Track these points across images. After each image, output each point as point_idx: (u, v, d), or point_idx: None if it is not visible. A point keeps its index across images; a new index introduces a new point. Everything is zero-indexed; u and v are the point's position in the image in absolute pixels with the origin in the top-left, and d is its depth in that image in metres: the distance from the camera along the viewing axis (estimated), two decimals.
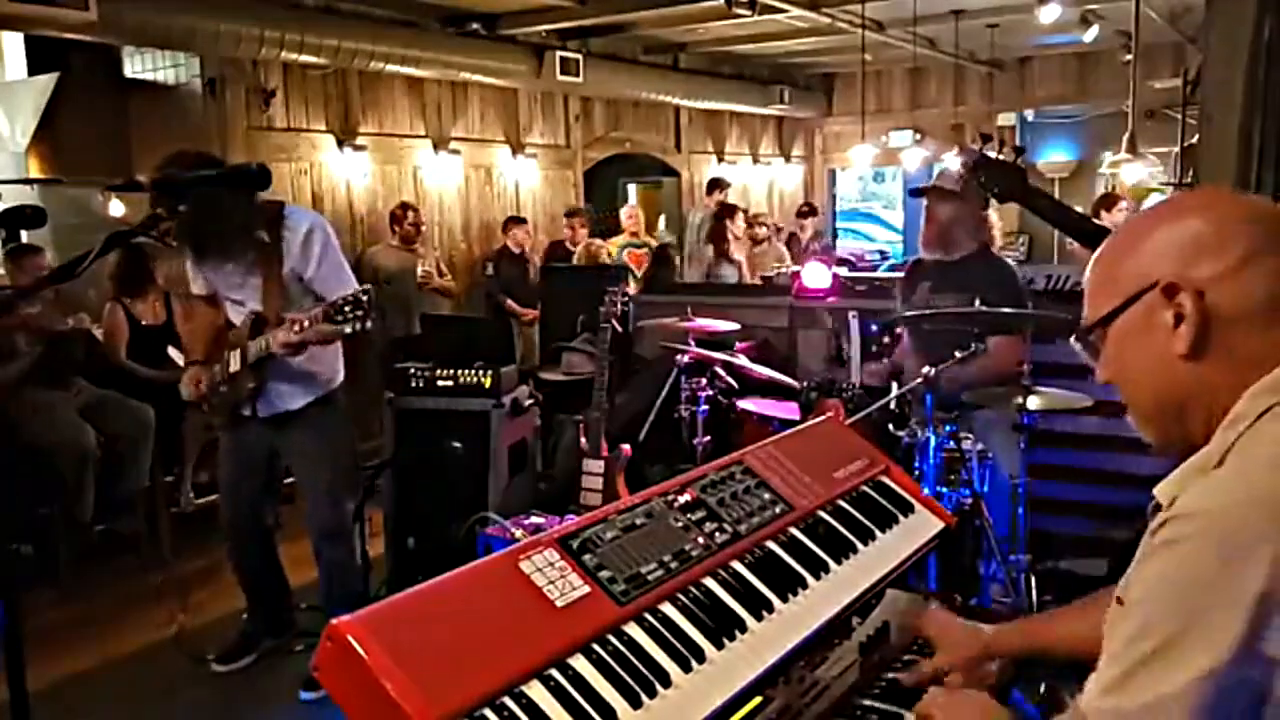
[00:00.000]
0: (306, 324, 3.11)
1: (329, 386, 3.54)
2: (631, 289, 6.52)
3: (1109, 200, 8.03)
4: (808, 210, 9.84)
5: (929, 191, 3.81)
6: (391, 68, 6.91)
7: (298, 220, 3.35)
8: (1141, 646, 0.96)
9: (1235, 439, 1.02)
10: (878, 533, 1.82)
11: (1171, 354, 1.08)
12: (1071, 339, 1.20)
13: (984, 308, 3.33)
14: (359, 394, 5.58)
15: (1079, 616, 1.44)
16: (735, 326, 4.82)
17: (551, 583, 1.34)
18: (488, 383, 4.25)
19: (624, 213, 8.50)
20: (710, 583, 1.51)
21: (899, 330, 4.01)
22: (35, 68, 6.60)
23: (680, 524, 1.58)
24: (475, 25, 7.45)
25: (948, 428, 3.33)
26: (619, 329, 4.44)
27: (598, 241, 7.81)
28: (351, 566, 3.70)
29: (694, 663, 1.35)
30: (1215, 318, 1.06)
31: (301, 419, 3.48)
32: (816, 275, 5.33)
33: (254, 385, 3.40)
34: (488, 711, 1.15)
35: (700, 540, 1.56)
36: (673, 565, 1.48)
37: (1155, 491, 1.07)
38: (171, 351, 5.29)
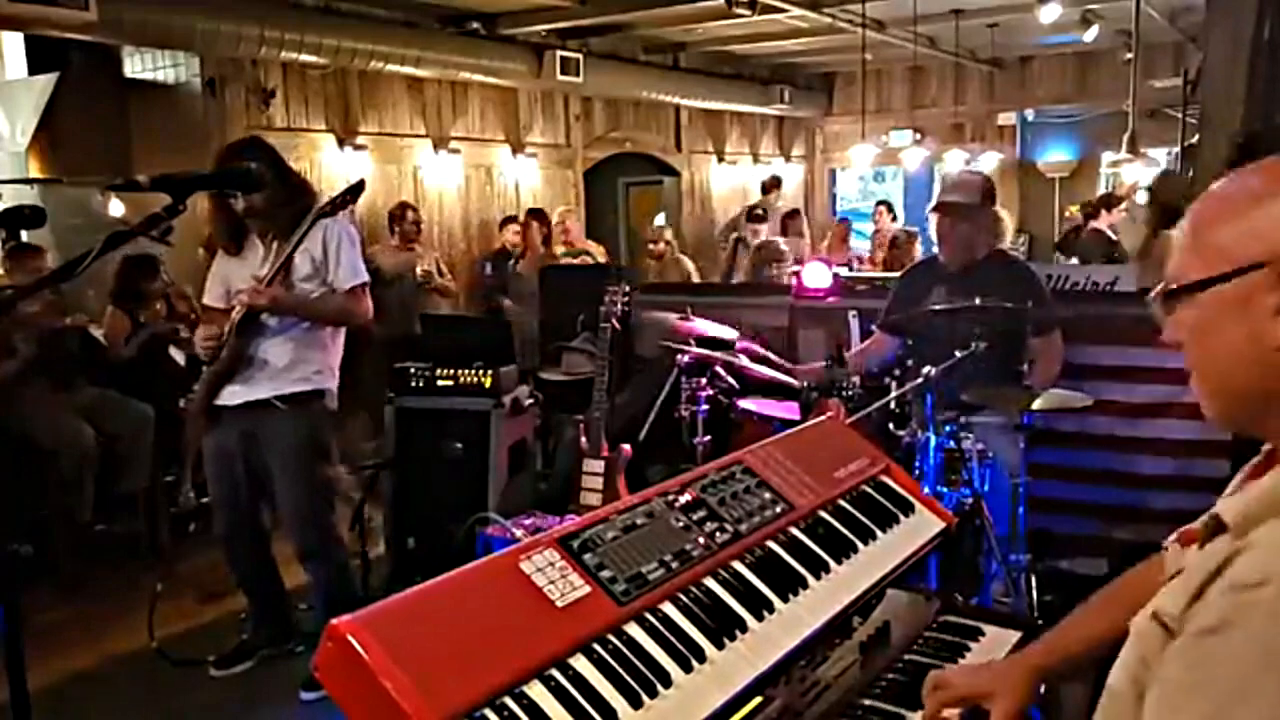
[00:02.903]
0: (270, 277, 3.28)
1: (314, 383, 3.49)
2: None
3: (1109, 201, 8.04)
4: (761, 215, 8.70)
5: (946, 208, 3.73)
6: (391, 68, 6.92)
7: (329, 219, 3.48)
8: None
9: None
10: (878, 532, 1.82)
11: (1266, 343, 0.95)
12: (1149, 295, 1.06)
13: (1032, 306, 3.38)
14: (359, 394, 5.60)
15: (1099, 618, 1.33)
16: (734, 334, 4.82)
17: (552, 583, 1.34)
18: (488, 383, 4.25)
19: (554, 218, 7.87)
20: (711, 583, 1.50)
21: (879, 329, 4.01)
22: (35, 68, 6.60)
23: (680, 524, 1.57)
24: (475, 25, 7.46)
25: (948, 427, 3.33)
26: (619, 329, 4.43)
27: (558, 248, 7.60)
28: (342, 576, 3.66)
29: (694, 663, 1.35)
30: None
31: (279, 413, 3.43)
32: (816, 275, 5.33)
33: (236, 352, 3.39)
34: (488, 711, 1.15)
35: (700, 540, 1.56)
36: (673, 565, 1.48)
37: (1222, 512, 0.97)
38: (172, 351, 5.30)
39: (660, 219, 10.77)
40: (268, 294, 3.31)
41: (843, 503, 1.84)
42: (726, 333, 4.68)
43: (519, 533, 3.20)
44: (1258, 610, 0.85)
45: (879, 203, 10.71)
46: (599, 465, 4.04)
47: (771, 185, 10.21)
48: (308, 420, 3.49)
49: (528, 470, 4.46)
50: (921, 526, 1.92)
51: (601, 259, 7.55)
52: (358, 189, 3.42)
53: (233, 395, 3.45)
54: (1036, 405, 3.29)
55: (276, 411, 3.43)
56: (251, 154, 3.36)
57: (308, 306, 3.45)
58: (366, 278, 3.55)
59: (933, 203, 3.87)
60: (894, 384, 3.74)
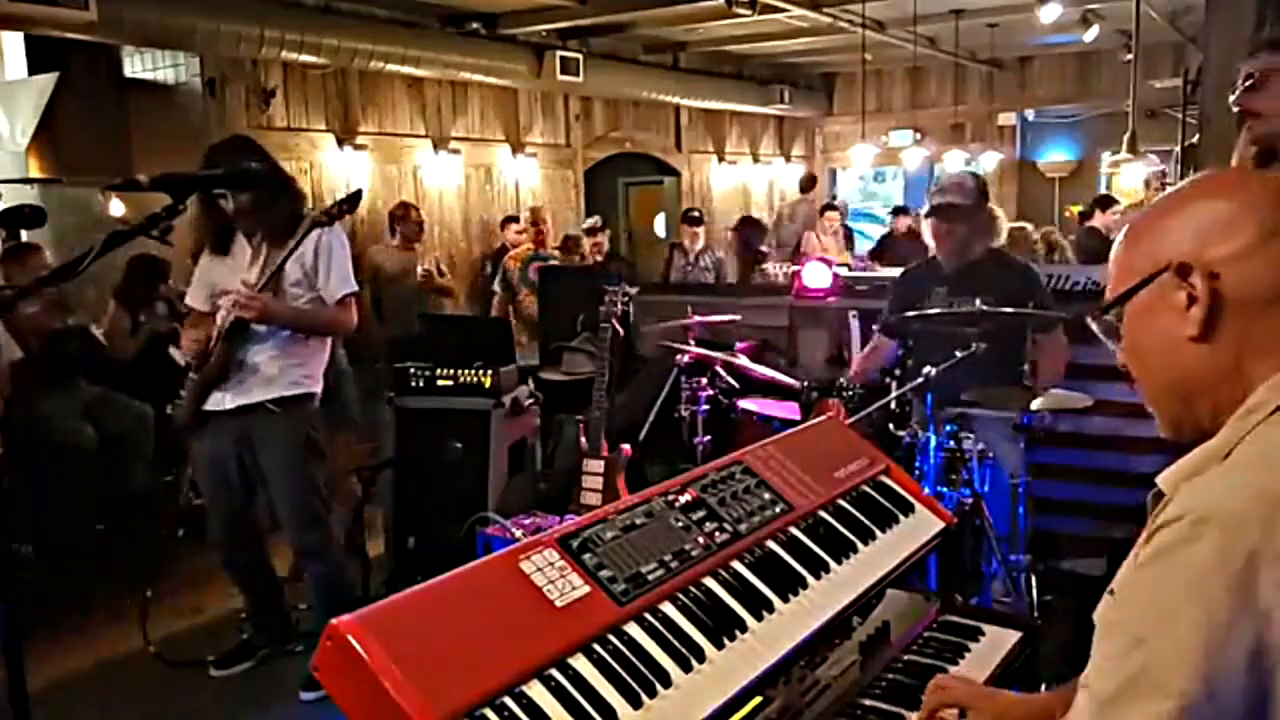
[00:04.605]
0: (257, 285, 3.26)
1: (304, 387, 3.48)
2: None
3: (1105, 201, 8.04)
4: (697, 217, 8.00)
5: (941, 211, 3.72)
6: (391, 68, 6.92)
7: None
8: (1134, 661, 0.91)
9: (1246, 432, 0.99)
10: (878, 532, 1.82)
11: (1181, 336, 1.05)
12: (1088, 319, 1.18)
13: (1035, 308, 3.37)
14: (359, 394, 5.60)
15: None
16: (736, 316, 4.83)
17: (551, 582, 1.34)
18: (488, 383, 4.25)
19: (524, 217, 7.48)
20: (710, 582, 1.50)
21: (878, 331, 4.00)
22: (35, 68, 6.60)
23: (680, 524, 1.57)
24: (475, 25, 7.47)
25: (948, 427, 3.33)
26: (619, 329, 4.44)
27: (516, 251, 7.28)
28: (340, 576, 3.66)
29: (694, 663, 1.35)
30: (1228, 300, 1.02)
31: (271, 416, 3.42)
32: (816, 275, 5.33)
33: (225, 358, 3.37)
34: (488, 711, 1.15)
35: (700, 540, 1.56)
36: (673, 565, 1.48)
37: (1159, 480, 1.05)
38: (173, 352, 5.31)
39: (661, 221, 10.79)
40: (258, 302, 3.28)
41: (843, 503, 1.84)
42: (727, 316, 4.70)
43: (519, 533, 3.20)
44: (1176, 541, 0.92)
45: (827, 206, 10.41)
46: (599, 465, 4.04)
47: (809, 184, 10.19)
48: (300, 422, 3.48)
49: (528, 470, 4.46)
50: (921, 526, 1.92)
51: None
52: (355, 198, 3.37)
53: (224, 400, 3.44)
54: (1036, 405, 3.29)
55: (269, 415, 3.42)
56: (241, 154, 3.33)
57: (297, 318, 3.42)
58: (356, 287, 3.53)
59: (926, 207, 3.86)
60: (894, 384, 3.74)
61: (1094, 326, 1.18)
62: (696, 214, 8.20)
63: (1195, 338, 1.04)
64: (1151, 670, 0.89)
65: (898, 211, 9.94)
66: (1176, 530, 0.93)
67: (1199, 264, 1.03)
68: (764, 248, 7.53)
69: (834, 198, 12.49)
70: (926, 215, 3.80)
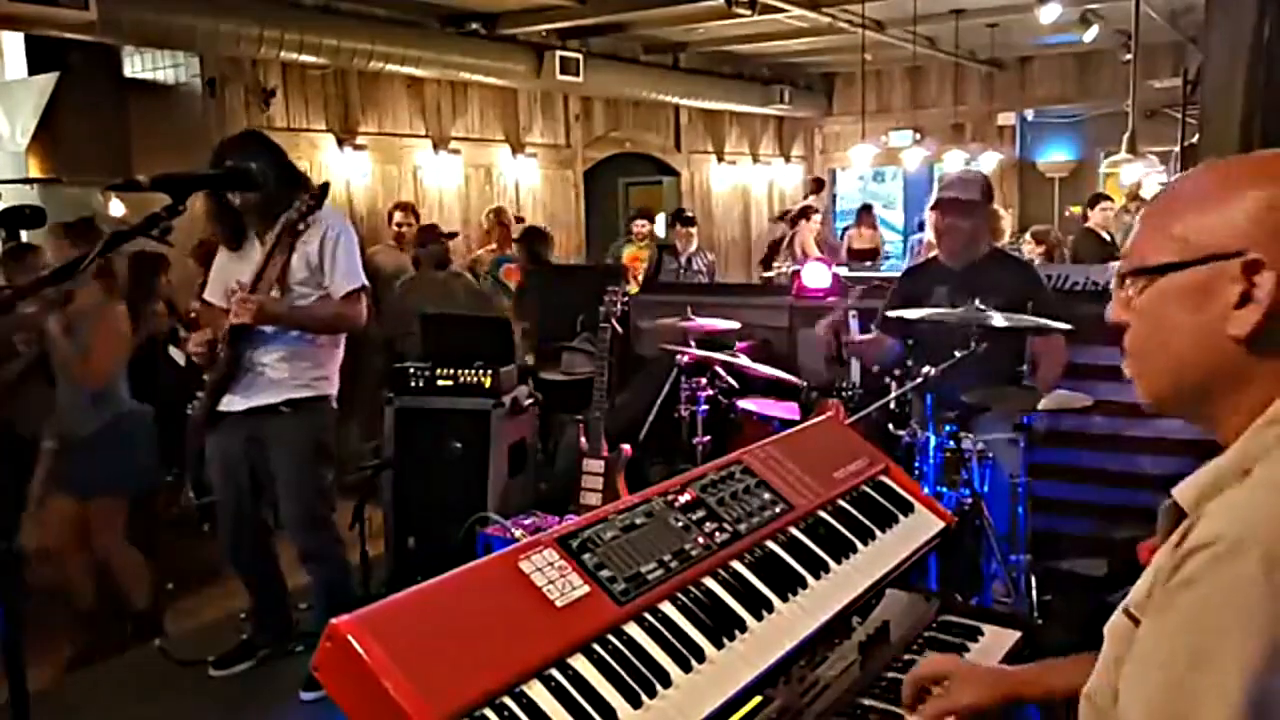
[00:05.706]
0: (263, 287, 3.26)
1: (315, 389, 3.48)
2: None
3: (1097, 199, 8.05)
4: (690, 217, 7.97)
5: (946, 205, 3.72)
6: (391, 68, 6.92)
7: (327, 213, 3.45)
8: (1178, 694, 0.87)
9: (1270, 446, 0.95)
10: (878, 532, 1.82)
11: (1220, 330, 0.98)
12: (1111, 268, 1.14)
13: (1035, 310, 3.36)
14: (359, 394, 5.60)
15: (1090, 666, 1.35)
16: (735, 326, 4.82)
17: (551, 583, 1.34)
18: (488, 382, 4.25)
19: (484, 219, 7.53)
20: (710, 582, 1.50)
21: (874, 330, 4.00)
22: (35, 68, 6.61)
23: (680, 524, 1.57)
24: (475, 25, 7.47)
25: (948, 427, 3.33)
26: (619, 329, 4.44)
27: (480, 253, 7.27)
28: (342, 577, 3.67)
29: (694, 662, 1.35)
30: None
31: (284, 417, 3.43)
32: (816, 275, 5.33)
33: (230, 361, 3.37)
34: (488, 711, 1.15)
35: (700, 540, 1.56)
36: (673, 565, 1.48)
37: (1175, 494, 1.00)
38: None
39: (660, 221, 10.76)
40: (251, 304, 3.27)
41: (842, 503, 1.84)
42: (728, 325, 4.69)
43: (519, 533, 3.20)
44: (1214, 567, 0.88)
45: (805, 208, 10.21)
46: (599, 465, 4.05)
47: (815, 188, 10.29)
48: (312, 424, 3.49)
49: (528, 470, 4.46)
50: (921, 526, 1.92)
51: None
52: (322, 192, 3.36)
53: (235, 402, 3.44)
54: (1037, 405, 3.29)
55: (281, 415, 3.43)
56: (251, 150, 3.34)
57: (296, 316, 3.40)
58: (363, 281, 3.50)
59: (932, 200, 3.86)
60: (894, 384, 3.74)
61: (1111, 280, 1.10)
62: (689, 214, 8.12)
63: (1240, 338, 0.97)
64: (1197, 704, 0.85)
65: (795, 219, 9.88)
66: (1213, 555, 0.88)
67: (1272, 264, 0.95)
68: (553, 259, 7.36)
69: (834, 199, 12.52)
70: (931, 209, 3.79)
